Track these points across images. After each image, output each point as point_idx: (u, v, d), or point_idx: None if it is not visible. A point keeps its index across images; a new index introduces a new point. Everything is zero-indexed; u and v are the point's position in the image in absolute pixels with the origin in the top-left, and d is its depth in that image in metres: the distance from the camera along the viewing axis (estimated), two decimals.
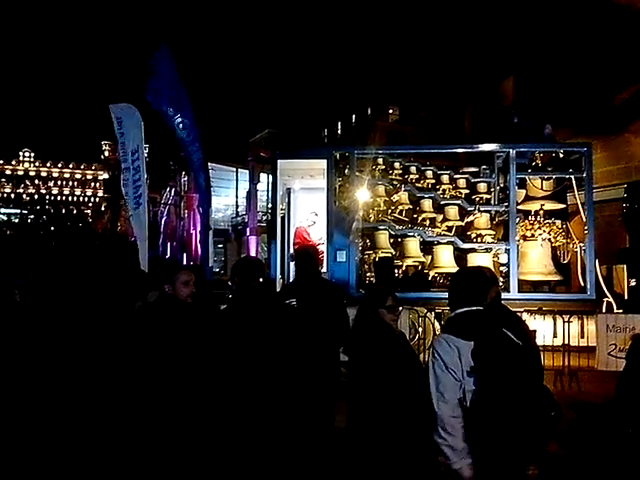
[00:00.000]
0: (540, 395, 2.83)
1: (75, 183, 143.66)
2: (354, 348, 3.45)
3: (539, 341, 7.66)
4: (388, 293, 3.53)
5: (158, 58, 9.09)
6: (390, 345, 3.28)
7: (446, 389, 2.78)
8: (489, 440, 2.70)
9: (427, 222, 10.68)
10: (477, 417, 2.72)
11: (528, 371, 2.84)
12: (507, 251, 9.92)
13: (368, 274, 10.51)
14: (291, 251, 10.69)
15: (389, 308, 3.46)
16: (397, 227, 10.48)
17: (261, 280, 3.86)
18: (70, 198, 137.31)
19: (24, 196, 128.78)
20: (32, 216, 70.27)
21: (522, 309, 9.04)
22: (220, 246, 31.85)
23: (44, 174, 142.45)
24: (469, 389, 2.76)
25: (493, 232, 10.50)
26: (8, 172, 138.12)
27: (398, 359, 3.24)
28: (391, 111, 44.65)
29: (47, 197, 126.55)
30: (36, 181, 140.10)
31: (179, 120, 9.08)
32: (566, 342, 8.35)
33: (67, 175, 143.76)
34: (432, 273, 10.32)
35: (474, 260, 9.99)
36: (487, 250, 10.19)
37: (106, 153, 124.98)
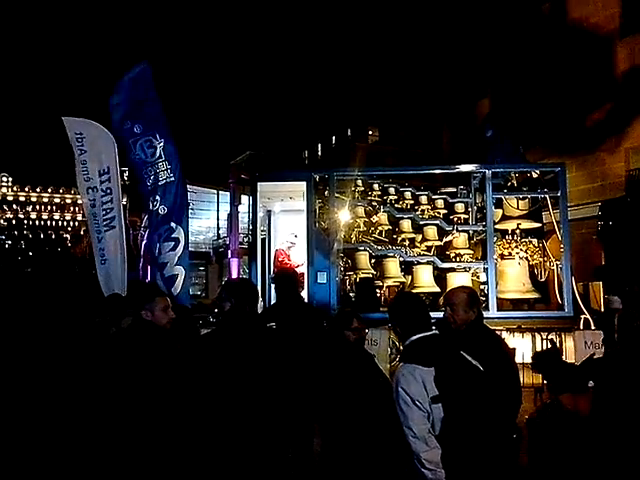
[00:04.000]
0: (500, 419, 2.82)
1: (54, 207, 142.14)
2: (322, 370, 3.48)
3: (519, 359, 7.72)
4: (353, 315, 3.60)
5: (131, 77, 8.88)
6: (354, 366, 3.32)
7: (414, 423, 2.72)
8: (459, 467, 2.67)
9: (407, 242, 10.77)
10: (445, 445, 2.69)
11: (487, 393, 2.82)
12: (485, 270, 10.04)
13: (351, 294, 10.55)
14: (272, 273, 10.72)
15: (354, 330, 3.52)
16: (377, 248, 10.56)
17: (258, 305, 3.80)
18: (49, 223, 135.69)
19: (1, 221, 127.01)
20: (10, 241, 69.30)
21: (502, 327, 9.15)
22: (201, 269, 31.63)
23: (22, 199, 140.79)
24: (437, 418, 2.71)
25: (471, 251, 10.62)
26: None
27: (362, 379, 3.27)
28: (371, 132, 45.16)
29: (25, 222, 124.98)
30: (14, 206, 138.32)
31: (144, 139, 8.76)
32: None
33: (46, 199, 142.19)
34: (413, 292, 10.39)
35: (453, 279, 10.09)
36: (466, 269, 10.31)
37: None
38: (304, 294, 9.31)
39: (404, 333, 2.99)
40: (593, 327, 9.69)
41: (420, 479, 2.70)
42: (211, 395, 3.30)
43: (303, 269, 10.14)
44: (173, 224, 8.82)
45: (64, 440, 3.60)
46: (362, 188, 11.24)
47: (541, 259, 10.41)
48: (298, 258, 10.99)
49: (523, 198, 10.67)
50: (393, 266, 10.47)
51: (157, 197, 8.78)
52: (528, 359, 8.41)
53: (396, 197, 11.21)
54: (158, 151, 8.86)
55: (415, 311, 3.03)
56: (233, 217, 12.01)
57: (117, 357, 3.60)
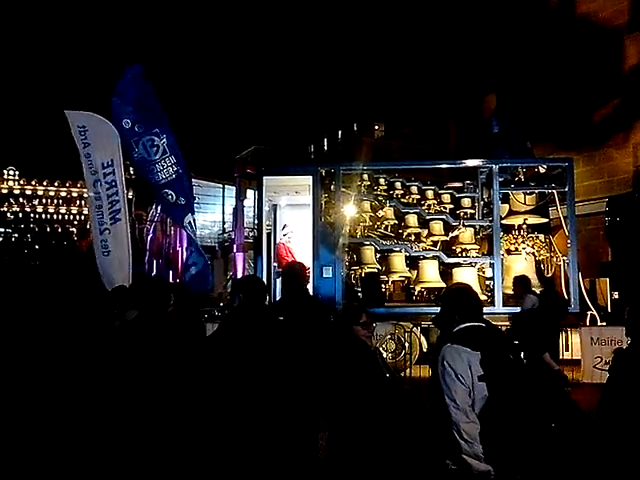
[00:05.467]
0: (541, 406, 2.92)
1: (60, 201, 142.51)
2: (330, 364, 3.48)
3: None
4: (362, 310, 3.59)
5: (130, 76, 8.88)
6: (363, 361, 3.31)
7: (457, 395, 2.85)
8: (496, 445, 2.78)
9: (412, 237, 10.73)
10: (486, 423, 2.82)
11: (528, 383, 3.00)
12: (492, 265, 10.00)
13: (356, 289, 10.53)
14: (276, 268, 10.72)
15: (363, 324, 3.51)
16: (383, 242, 10.53)
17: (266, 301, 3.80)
18: (55, 216, 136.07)
19: (8, 215, 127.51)
20: (16, 234, 69.59)
21: (507, 323, 9.13)
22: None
23: (29, 192, 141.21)
24: (478, 397, 2.85)
25: (477, 246, 10.58)
26: None
27: (371, 374, 3.26)
28: (377, 127, 45.09)
29: (32, 215, 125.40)
30: (20, 199, 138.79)
31: (146, 138, 8.78)
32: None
33: (52, 193, 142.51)
34: (418, 288, 10.36)
35: (459, 275, 10.05)
36: (472, 264, 10.27)
37: None
38: (310, 288, 9.31)
39: (454, 321, 3.08)
40: (600, 323, 9.67)
41: (457, 451, 2.84)
42: (217, 389, 3.29)
43: (303, 260, 10.15)
44: (191, 214, 9.29)
45: (69, 430, 3.60)
46: (368, 183, 11.21)
47: (548, 255, 10.37)
48: (299, 251, 11.00)
49: (530, 193, 10.61)
50: (399, 261, 10.44)
51: (171, 191, 8.94)
52: None
53: (402, 192, 11.17)
54: (162, 148, 8.92)
55: (468, 302, 3.15)
56: (239, 211, 12.02)
57: (122, 350, 3.60)
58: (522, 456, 2.79)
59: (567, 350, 8.77)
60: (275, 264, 10.81)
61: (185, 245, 10.65)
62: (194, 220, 9.48)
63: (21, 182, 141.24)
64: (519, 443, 2.78)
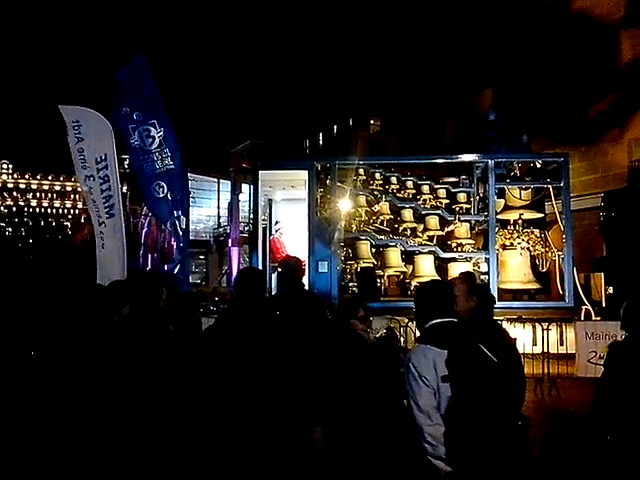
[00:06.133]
0: (507, 406, 2.83)
1: (54, 195, 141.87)
2: (326, 358, 3.45)
3: (519, 349, 7.72)
4: (359, 304, 3.56)
5: (133, 64, 8.86)
6: (361, 355, 3.29)
7: (420, 397, 2.79)
8: (461, 446, 2.71)
9: (408, 232, 10.75)
10: (450, 424, 2.75)
11: (498, 382, 2.86)
12: (487, 260, 10.02)
13: (350, 284, 10.53)
14: (271, 262, 10.71)
15: (360, 319, 3.49)
16: (378, 237, 10.54)
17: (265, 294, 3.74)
18: (49, 210, 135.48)
19: (2, 208, 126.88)
20: (10, 229, 69.26)
21: (502, 318, 9.14)
22: (202, 257, 31.61)
23: (22, 186, 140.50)
24: (444, 397, 2.78)
25: (473, 241, 10.60)
26: None
27: (366, 368, 3.25)
28: (372, 122, 45.03)
29: (26, 209, 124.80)
30: (14, 193, 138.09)
31: (143, 127, 8.73)
32: (546, 350, 8.44)
33: (46, 187, 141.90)
34: (413, 282, 10.37)
35: (455, 269, 10.06)
36: (467, 259, 10.29)
37: None
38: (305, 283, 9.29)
39: (426, 317, 3.03)
40: (594, 317, 9.70)
41: (422, 453, 2.78)
42: (213, 383, 3.28)
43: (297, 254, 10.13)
44: (181, 212, 8.99)
45: (68, 426, 3.59)
46: (364, 177, 11.21)
47: (543, 250, 10.40)
48: (294, 246, 10.99)
49: (526, 188, 10.64)
50: (394, 256, 10.45)
51: (163, 184, 8.83)
52: (529, 349, 8.47)
53: (398, 186, 11.17)
54: (157, 140, 8.85)
55: (440, 298, 3.08)
56: (234, 206, 12.00)
57: (122, 345, 3.58)
58: (488, 456, 2.72)
59: (562, 344, 8.79)
60: (271, 259, 10.81)
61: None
62: (184, 219, 9.17)
63: (15, 176, 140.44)
64: (484, 443, 2.71)
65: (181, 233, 9.07)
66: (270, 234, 11.30)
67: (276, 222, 11.42)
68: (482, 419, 2.71)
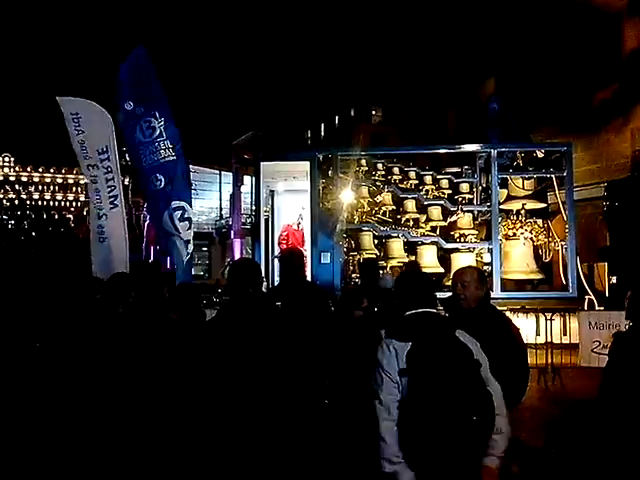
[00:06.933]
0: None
1: (56, 188, 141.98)
2: (332, 349, 3.44)
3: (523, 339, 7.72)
4: (363, 294, 3.53)
5: (134, 56, 8.78)
6: (362, 345, 3.27)
7: (381, 391, 2.77)
8: (414, 443, 2.67)
9: (411, 222, 10.73)
10: (403, 418, 2.70)
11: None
12: (490, 250, 10.00)
13: (353, 275, 10.53)
14: (276, 252, 10.69)
15: (365, 309, 3.47)
16: (381, 228, 10.52)
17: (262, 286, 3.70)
18: (51, 203, 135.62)
19: (4, 201, 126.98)
20: (13, 222, 69.30)
21: (505, 308, 9.14)
22: (204, 249, 31.71)
23: (24, 179, 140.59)
24: (406, 390, 2.73)
25: (476, 232, 10.58)
26: None
27: (369, 358, 3.22)
28: (374, 112, 44.83)
29: (28, 202, 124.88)
30: (16, 186, 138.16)
31: (144, 120, 8.65)
32: (549, 340, 8.44)
33: (48, 180, 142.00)
34: None
35: (458, 260, 10.06)
36: (470, 250, 10.27)
37: None
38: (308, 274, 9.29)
39: (402, 308, 2.96)
40: (597, 307, 9.69)
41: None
42: (215, 375, 3.28)
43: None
44: (185, 204, 8.82)
45: (72, 417, 3.60)
46: (366, 168, 11.18)
47: (546, 240, 10.37)
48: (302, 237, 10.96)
49: (529, 178, 10.60)
50: (397, 246, 10.44)
51: (160, 176, 8.73)
52: (532, 340, 8.48)
53: (400, 177, 11.14)
54: (157, 131, 8.76)
55: (416, 288, 3.00)
56: (236, 197, 11.99)
57: (127, 336, 3.58)
58: (441, 453, 2.65)
59: (565, 334, 8.78)
60: (278, 249, 10.75)
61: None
62: (183, 212, 8.96)
63: (17, 169, 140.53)
64: (438, 440, 2.64)
65: (180, 224, 8.86)
66: (273, 225, 11.26)
67: (299, 215, 11.11)
68: (431, 414, 2.65)
